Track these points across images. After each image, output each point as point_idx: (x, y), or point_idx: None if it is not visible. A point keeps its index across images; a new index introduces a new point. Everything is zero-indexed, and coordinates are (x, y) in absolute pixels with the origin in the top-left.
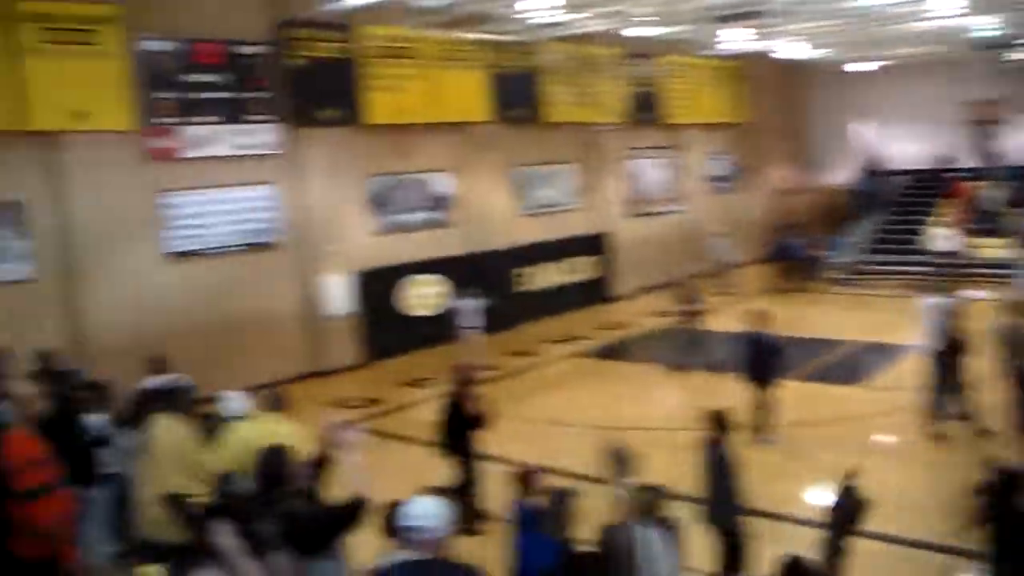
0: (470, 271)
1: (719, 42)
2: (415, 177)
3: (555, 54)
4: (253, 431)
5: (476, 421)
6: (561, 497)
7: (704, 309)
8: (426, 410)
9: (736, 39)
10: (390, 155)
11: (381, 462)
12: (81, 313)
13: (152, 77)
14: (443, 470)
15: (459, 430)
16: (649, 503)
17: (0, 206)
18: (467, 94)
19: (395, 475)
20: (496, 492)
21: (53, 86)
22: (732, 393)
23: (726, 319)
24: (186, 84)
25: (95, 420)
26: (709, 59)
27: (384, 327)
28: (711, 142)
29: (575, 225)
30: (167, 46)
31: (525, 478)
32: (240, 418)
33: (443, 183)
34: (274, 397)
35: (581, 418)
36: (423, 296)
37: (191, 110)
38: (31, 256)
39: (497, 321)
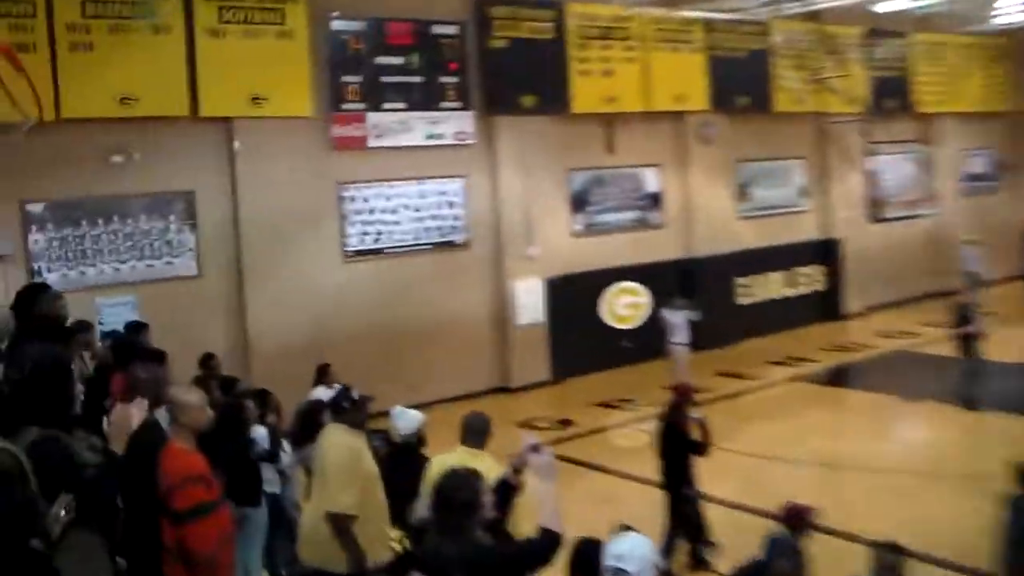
0: (680, 279)
1: (996, 13)
2: (622, 172)
3: (785, 33)
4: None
5: (696, 448)
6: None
7: (982, 332)
8: (623, 435)
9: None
10: (595, 148)
11: (572, 491)
12: (247, 314)
13: (338, 60)
14: (647, 504)
15: (676, 458)
16: (892, 566)
17: (170, 196)
18: (683, 80)
19: (588, 507)
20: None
21: (230, 69)
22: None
23: (995, 345)
24: (375, 67)
25: (260, 433)
26: (971, 36)
27: (579, 340)
28: (969, 135)
29: (803, 229)
30: (355, 26)
31: (794, 516)
32: (414, 437)
33: (653, 179)
34: (475, 425)
35: (803, 453)
36: (625, 306)
37: (379, 96)
38: (199, 250)
39: (708, 337)
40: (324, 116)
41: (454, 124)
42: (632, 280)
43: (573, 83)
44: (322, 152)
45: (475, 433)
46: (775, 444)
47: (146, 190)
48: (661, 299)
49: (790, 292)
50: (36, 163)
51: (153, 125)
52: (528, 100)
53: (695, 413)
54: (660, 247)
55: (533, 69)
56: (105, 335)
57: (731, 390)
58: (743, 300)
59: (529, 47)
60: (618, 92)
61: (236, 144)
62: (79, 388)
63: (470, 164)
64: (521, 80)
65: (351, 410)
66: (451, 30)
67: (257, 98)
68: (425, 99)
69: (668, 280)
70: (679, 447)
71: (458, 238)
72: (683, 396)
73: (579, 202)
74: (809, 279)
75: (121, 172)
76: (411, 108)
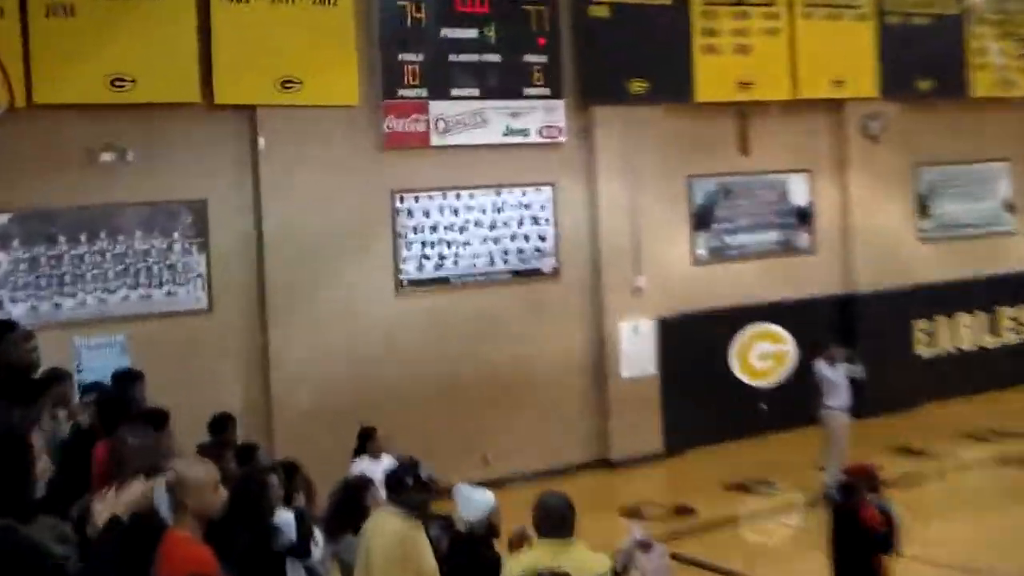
0: (838, 322)
1: None
2: (759, 180)
3: None
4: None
5: (883, 544)
6: None
7: None
8: (760, 529)
9: None
10: (724, 148)
11: None
12: (271, 361)
13: (393, 32)
14: None
15: (853, 558)
16: None
17: (174, 207)
18: (844, 58)
19: None
20: None
21: (255, 44)
22: None
23: None
24: (440, 42)
25: (285, 518)
26: None
27: (701, 400)
28: None
29: (1009, 257)
30: None
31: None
32: (484, 525)
33: (801, 189)
34: (552, 510)
35: (1016, 569)
36: (762, 357)
37: (445, 79)
38: (210, 277)
39: (877, 399)
40: (374, 105)
41: (541, 116)
42: (772, 322)
43: (696, 63)
44: (371, 152)
45: (554, 520)
46: (973, 552)
47: (143, 199)
48: (812, 348)
49: (991, 342)
50: (0, 162)
51: (153, 115)
52: (637, 85)
53: (877, 500)
54: (810, 279)
55: (644, 45)
56: (86, 388)
57: (911, 473)
58: (924, 351)
59: (639, 16)
60: (755, 75)
61: (261, 141)
62: (45, 464)
63: (561, 168)
64: (628, 59)
65: (413, 490)
66: None
67: (289, 82)
68: (504, 84)
69: (821, 323)
70: (858, 543)
71: (545, 265)
72: (863, 477)
73: (703, 219)
74: (1017, 325)
75: (111, 175)
76: (486, 95)
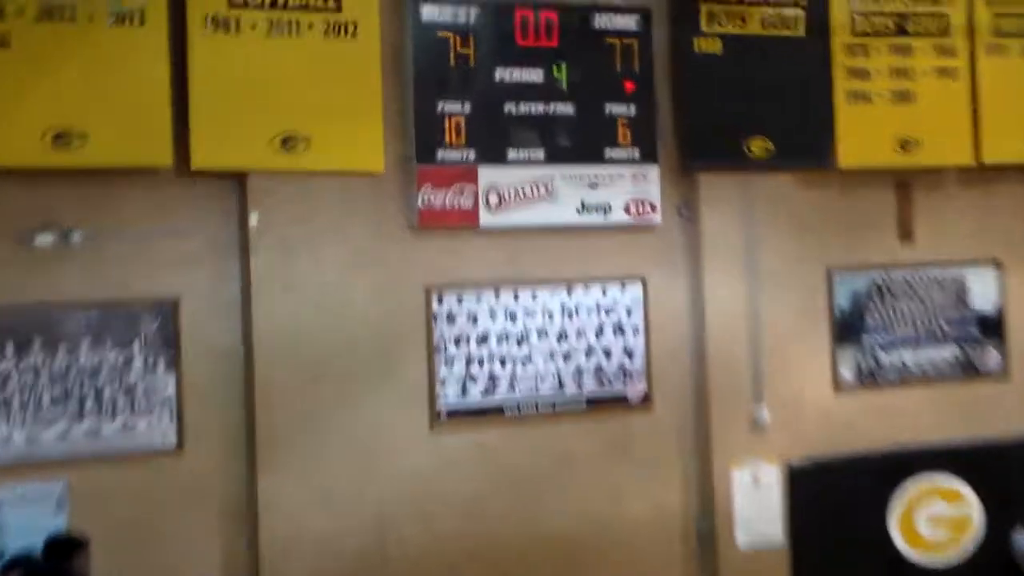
0: None
1: None
2: (927, 275)
3: None
4: None
5: None
6: None
7: None
8: None
9: None
10: (877, 230)
11: None
12: (261, 520)
13: (431, 73)
14: None
15: None
16: None
17: (135, 307)
18: None
19: None
20: None
21: (246, 89)
22: None
23: None
24: (493, 87)
25: None
26: None
27: None
28: None
29: None
30: (460, 14)
31: None
32: None
33: (987, 289)
34: None
35: None
36: (934, 522)
37: (500, 136)
38: (182, 404)
39: None
40: (405, 172)
41: (628, 187)
42: (949, 473)
43: (840, 115)
44: (400, 234)
45: None
46: None
47: (93, 296)
48: (1008, 511)
49: None
50: None
51: (109, 183)
52: (758, 145)
53: None
54: (1001, 413)
55: (768, 90)
56: (9, 563)
57: None
58: None
59: (762, 51)
60: (922, 131)
61: (252, 219)
62: None
63: (655, 258)
64: (747, 110)
65: None
66: (626, 23)
67: (290, 139)
68: (580, 143)
69: (1017, 476)
70: None
71: (631, 390)
72: None
73: (848, 328)
74: None
75: (50, 263)
76: (554, 158)
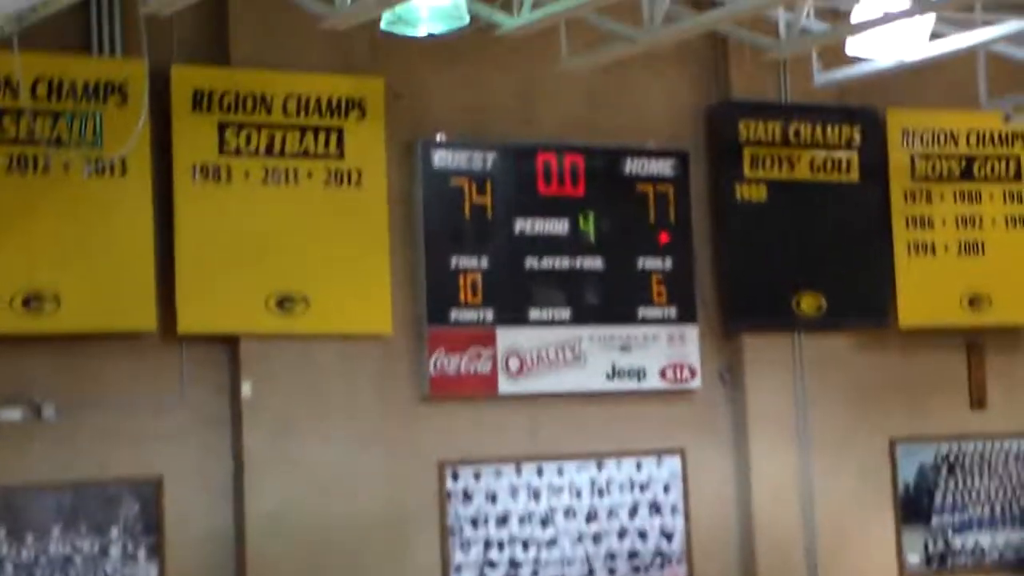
0: None
1: None
2: (1005, 448)
3: None
4: None
5: None
6: None
7: None
8: None
9: None
10: (946, 398)
11: None
12: None
13: (443, 223)
14: None
15: None
16: None
17: (112, 488)
18: None
19: None
20: None
21: (238, 243)
22: None
23: None
24: (513, 239)
25: None
26: None
27: None
28: None
29: None
30: (476, 159)
31: None
32: None
33: None
34: None
35: None
36: None
37: (521, 294)
38: None
39: None
40: (415, 335)
41: (664, 349)
42: None
43: (900, 269)
44: (410, 404)
45: None
46: None
47: (66, 476)
48: None
49: None
50: None
51: (85, 351)
52: (808, 302)
53: None
54: None
55: (818, 242)
56: None
57: None
58: None
59: (812, 198)
60: (994, 286)
61: (245, 389)
62: None
63: (694, 428)
64: (794, 263)
65: None
66: (661, 168)
67: (288, 300)
68: (610, 302)
69: None
70: None
71: None
72: None
73: (915, 506)
74: None
75: (18, 439)
76: (581, 319)
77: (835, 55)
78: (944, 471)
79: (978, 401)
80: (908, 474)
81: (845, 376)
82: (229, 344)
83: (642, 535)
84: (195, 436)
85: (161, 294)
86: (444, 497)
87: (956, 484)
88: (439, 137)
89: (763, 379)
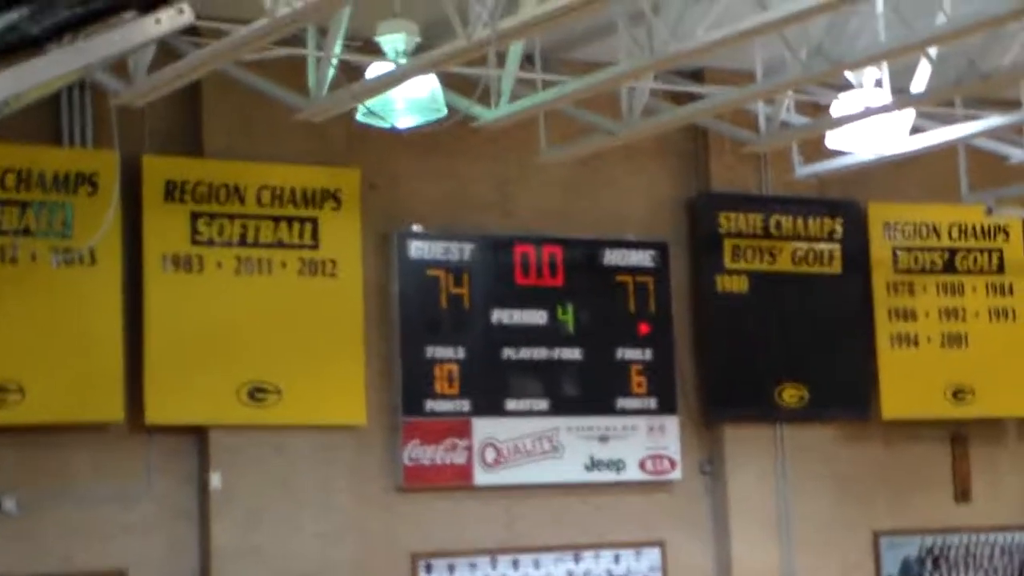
0: None
1: None
2: (990, 541)
3: None
4: None
5: None
6: None
7: None
8: None
9: None
10: (930, 490)
11: None
12: None
13: (418, 314)
14: None
15: None
16: None
17: None
18: None
19: None
20: None
21: (209, 335)
22: None
23: None
24: (490, 329)
25: None
26: None
27: None
28: None
29: None
30: (452, 249)
31: None
32: None
33: None
34: None
35: None
36: None
37: (498, 385)
38: None
39: None
40: (389, 426)
41: (644, 440)
42: None
43: (883, 361)
44: (383, 495)
45: None
46: None
47: (28, 570)
48: None
49: None
50: None
51: (48, 443)
52: (790, 394)
53: None
54: None
55: (800, 333)
56: None
57: None
58: None
59: (794, 290)
60: (977, 378)
61: (214, 480)
62: None
63: (675, 521)
64: (776, 354)
65: None
66: (640, 259)
67: (260, 390)
68: (588, 391)
69: None
70: None
71: None
72: None
73: None
74: None
75: None
76: (559, 409)
77: (815, 148)
78: (929, 565)
79: (963, 493)
80: (892, 568)
81: (828, 468)
82: (198, 434)
83: None
84: (162, 529)
85: (129, 384)
86: None
87: None
88: (415, 228)
89: (744, 471)
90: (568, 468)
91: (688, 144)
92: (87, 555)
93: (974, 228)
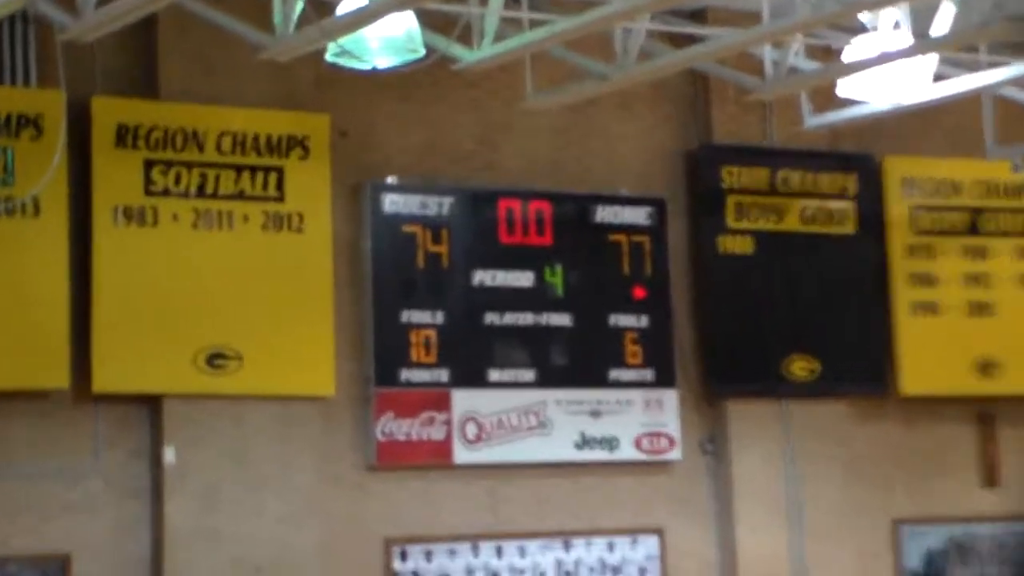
0: None
1: None
2: (1018, 530)
3: None
4: None
5: None
6: None
7: None
8: None
9: None
10: (954, 474)
11: None
12: None
13: (393, 274)
14: None
15: None
16: None
17: (13, 566)
18: None
19: None
20: None
21: (163, 294)
22: None
23: None
24: (471, 291)
25: None
26: None
27: None
28: None
29: None
30: (430, 203)
31: None
32: None
33: None
34: None
35: None
36: None
37: (480, 352)
38: None
39: None
40: (360, 397)
41: (639, 416)
42: None
43: (901, 331)
44: (354, 473)
45: None
46: None
47: None
48: None
49: None
50: None
51: None
52: (800, 366)
53: None
54: None
55: (811, 300)
56: None
57: None
58: None
59: (804, 253)
60: (1005, 351)
61: (168, 454)
62: None
63: (673, 505)
64: (784, 323)
65: None
66: (635, 216)
67: (218, 356)
68: (578, 362)
69: None
70: None
71: None
72: None
73: None
74: None
75: None
76: (547, 381)
77: (826, 96)
78: (954, 556)
79: (989, 478)
80: (913, 560)
81: (841, 448)
82: (151, 404)
83: None
84: (109, 508)
85: (75, 348)
86: None
87: (968, 571)
88: (390, 179)
89: (750, 450)
90: (557, 446)
91: (687, 91)
92: (26, 537)
93: (1000, 186)
